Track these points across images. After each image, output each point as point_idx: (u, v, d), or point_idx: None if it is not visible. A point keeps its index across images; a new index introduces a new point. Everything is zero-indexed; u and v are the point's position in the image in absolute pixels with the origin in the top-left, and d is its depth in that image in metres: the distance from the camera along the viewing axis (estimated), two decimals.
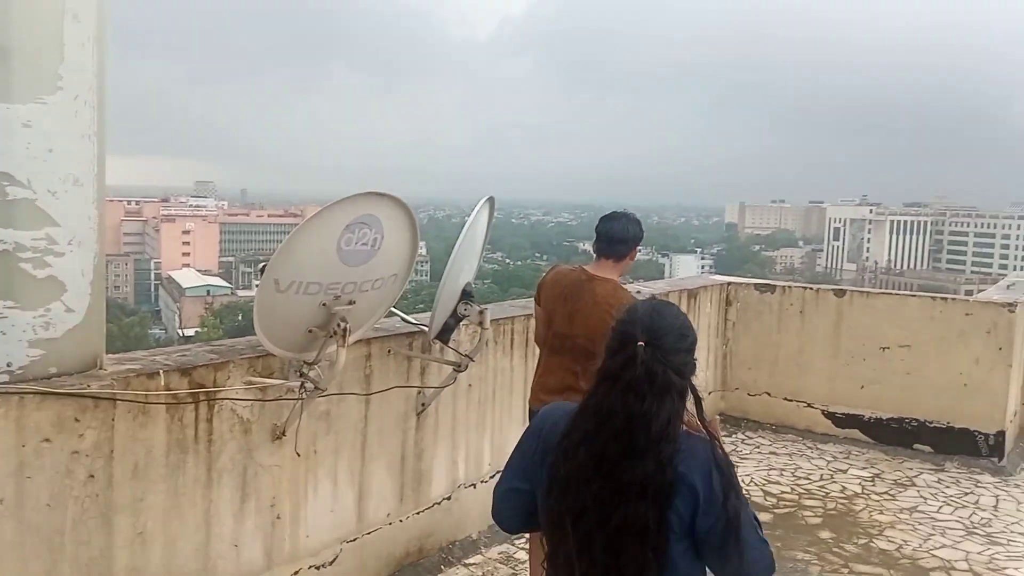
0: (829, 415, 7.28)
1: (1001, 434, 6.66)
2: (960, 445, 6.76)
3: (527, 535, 4.76)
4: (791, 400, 7.45)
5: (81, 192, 3.02)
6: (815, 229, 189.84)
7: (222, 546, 3.46)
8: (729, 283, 7.88)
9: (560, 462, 1.92)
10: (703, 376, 7.11)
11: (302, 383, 3.48)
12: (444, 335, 4.19)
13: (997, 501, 5.96)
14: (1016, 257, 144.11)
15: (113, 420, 3.02)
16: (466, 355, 4.30)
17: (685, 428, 1.92)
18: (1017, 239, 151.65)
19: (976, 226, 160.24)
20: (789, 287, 7.68)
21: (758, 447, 6.97)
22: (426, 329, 4.22)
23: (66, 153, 2.96)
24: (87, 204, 3.06)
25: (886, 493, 6.02)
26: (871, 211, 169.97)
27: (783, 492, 5.95)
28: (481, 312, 4.12)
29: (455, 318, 4.14)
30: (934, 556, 5.00)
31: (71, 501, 2.92)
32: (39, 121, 2.88)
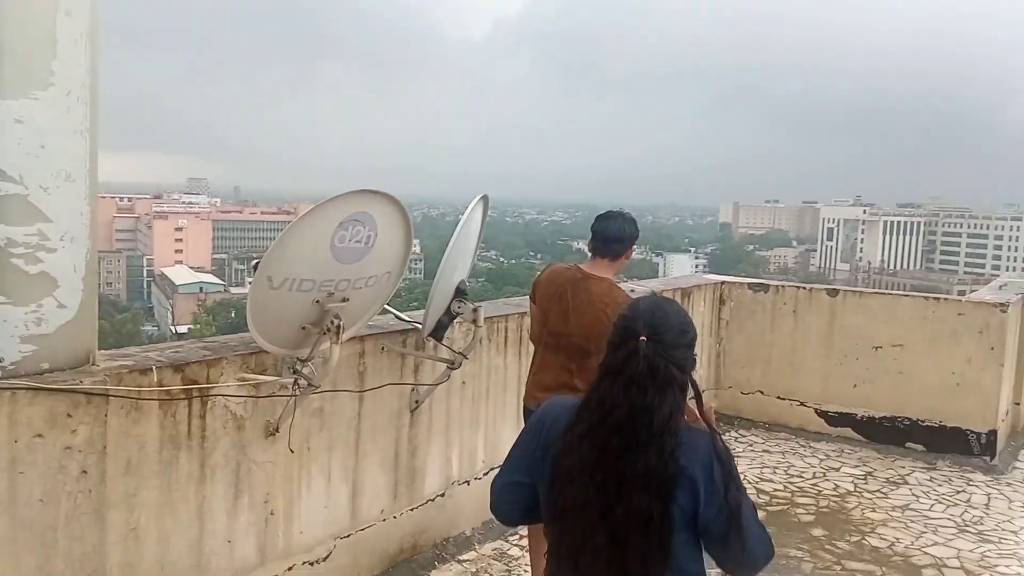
0: (822, 414, 7.30)
1: (993, 433, 6.70)
2: (952, 444, 6.79)
3: (522, 532, 4.78)
4: (784, 399, 7.47)
5: (73, 188, 3.01)
6: (809, 229, 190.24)
7: (215, 542, 3.46)
8: (723, 282, 7.90)
9: (563, 455, 1.95)
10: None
11: (295, 380, 3.47)
12: (438, 332, 4.19)
13: (989, 499, 5.98)
14: (1009, 258, 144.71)
15: (106, 416, 3.01)
16: (460, 352, 4.30)
17: (686, 421, 1.96)
18: (1010, 240, 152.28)
19: (969, 227, 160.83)
20: (782, 286, 7.71)
21: (751, 445, 6.99)
22: (420, 326, 4.22)
23: (58, 149, 2.96)
24: (79, 200, 3.05)
25: (878, 491, 6.04)
26: (865, 211, 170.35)
27: (776, 490, 5.97)
28: (475, 310, 4.12)
29: (449, 316, 4.14)
30: (926, 554, 5.02)
31: (64, 497, 2.91)
32: (31, 117, 2.87)
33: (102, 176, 3.20)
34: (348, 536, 4.10)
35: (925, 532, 5.34)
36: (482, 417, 4.97)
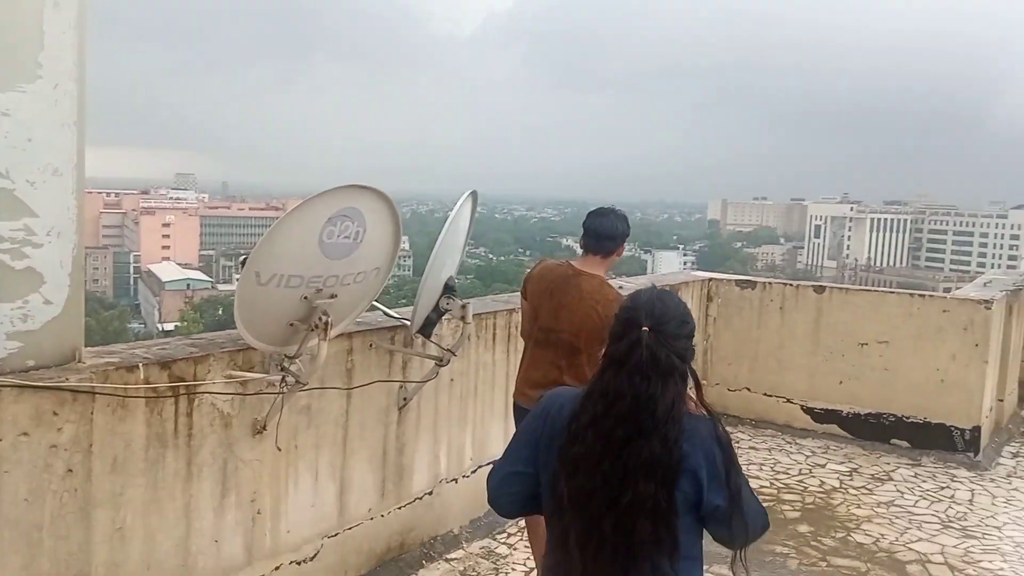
0: (808, 410, 7.34)
1: (977, 429, 6.75)
2: (937, 440, 6.84)
3: (510, 531, 4.78)
4: (771, 395, 7.51)
5: (60, 182, 2.99)
6: (796, 226, 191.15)
7: (202, 541, 3.44)
8: (710, 279, 7.92)
9: (569, 444, 1.98)
10: None
11: (283, 377, 3.46)
12: (426, 329, 4.19)
13: (972, 495, 6.04)
14: (994, 255, 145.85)
15: (92, 414, 2.99)
16: (448, 349, 4.30)
17: (688, 409, 2.00)
18: (995, 238, 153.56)
19: (955, 225, 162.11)
20: (769, 283, 7.75)
21: (738, 442, 7.02)
22: (408, 323, 4.21)
23: (45, 142, 2.93)
24: (66, 194, 3.02)
25: (863, 487, 6.08)
26: (852, 209, 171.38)
27: (762, 486, 6.00)
28: (463, 306, 4.11)
29: (437, 312, 4.14)
30: (910, 549, 5.06)
31: (49, 495, 2.89)
32: (18, 110, 2.84)
33: (88, 171, 3.18)
34: (336, 535, 4.09)
35: (910, 528, 5.38)
36: (470, 414, 4.96)
